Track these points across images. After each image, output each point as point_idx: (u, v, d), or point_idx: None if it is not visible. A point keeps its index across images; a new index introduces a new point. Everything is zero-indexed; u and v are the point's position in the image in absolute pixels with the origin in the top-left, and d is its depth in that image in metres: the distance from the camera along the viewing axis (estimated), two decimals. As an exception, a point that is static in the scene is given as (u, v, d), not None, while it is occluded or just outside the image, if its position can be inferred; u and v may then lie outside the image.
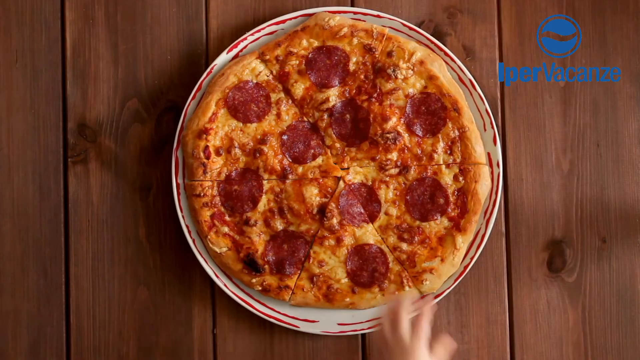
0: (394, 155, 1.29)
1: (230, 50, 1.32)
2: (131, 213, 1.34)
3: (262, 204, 1.30)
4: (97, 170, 1.34)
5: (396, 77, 1.29)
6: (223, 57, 1.32)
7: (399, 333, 1.14)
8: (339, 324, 1.30)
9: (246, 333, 1.33)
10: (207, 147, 1.29)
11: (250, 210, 1.30)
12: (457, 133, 1.29)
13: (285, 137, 1.30)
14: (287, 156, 1.30)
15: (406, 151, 1.29)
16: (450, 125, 1.29)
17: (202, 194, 1.29)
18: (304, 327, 1.30)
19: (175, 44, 1.35)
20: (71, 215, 1.34)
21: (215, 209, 1.29)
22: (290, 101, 1.31)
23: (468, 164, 1.28)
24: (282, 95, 1.31)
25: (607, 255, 1.33)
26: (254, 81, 1.31)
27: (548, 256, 1.33)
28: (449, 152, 1.29)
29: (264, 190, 1.30)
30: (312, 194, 1.30)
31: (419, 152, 1.29)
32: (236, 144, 1.30)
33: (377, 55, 1.30)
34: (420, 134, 1.30)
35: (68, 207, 1.34)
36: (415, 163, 1.29)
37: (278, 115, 1.31)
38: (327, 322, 1.30)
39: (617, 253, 1.33)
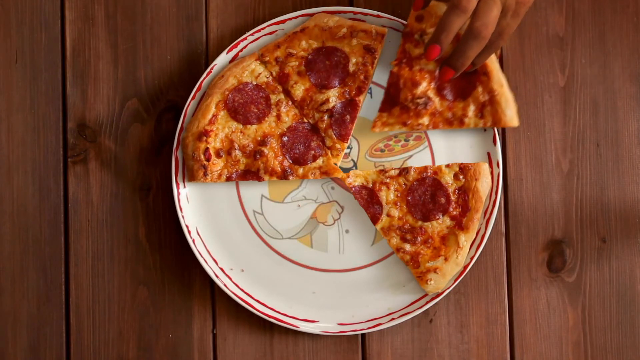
0: (425, 120, 1.28)
1: (230, 50, 1.32)
2: (131, 213, 1.34)
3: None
4: (97, 170, 1.34)
5: (424, 42, 1.28)
6: (223, 57, 1.32)
7: None
8: (339, 324, 1.31)
9: (246, 333, 1.33)
10: (207, 149, 1.29)
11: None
12: (487, 97, 1.27)
13: (285, 139, 1.31)
14: (287, 157, 1.30)
15: (437, 115, 1.28)
16: (480, 89, 1.27)
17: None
18: (304, 327, 1.30)
19: (175, 44, 1.35)
20: (71, 215, 1.34)
21: None
22: (290, 102, 1.31)
23: (499, 127, 1.26)
24: (282, 96, 1.31)
25: (607, 255, 1.33)
26: (254, 83, 1.31)
27: (548, 256, 1.33)
28: (479, 115, 1.28)
29: (265, 192, 1.31)
30: (312, 195, 1.30)
31: (450, 116, 1.28)
32: (236, 146, 1.30)
33: (376, 56, 1.30)
34: (450, 98, 1.28)
35: (68, 207, 1.34)
36: (446, 127, 1.28)
37: (278, 116, 1.31)
38: (327, 322, 1.31)
39: (617, 253, 1.33)
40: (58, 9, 1.36)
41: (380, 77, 1.32)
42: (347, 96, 1.30)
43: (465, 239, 1.28)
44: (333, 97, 1.30)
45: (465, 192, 1.29)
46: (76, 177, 1.34)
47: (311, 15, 1.32)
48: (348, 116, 1.30)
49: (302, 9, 1.34)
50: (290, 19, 1.32)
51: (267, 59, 1.31)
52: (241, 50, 1.32)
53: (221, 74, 1.31)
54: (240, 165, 1.30)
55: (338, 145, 1.31)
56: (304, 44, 1.31)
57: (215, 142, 1.30)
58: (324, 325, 1.31)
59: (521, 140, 1.34)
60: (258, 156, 1.30)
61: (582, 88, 1.35)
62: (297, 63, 1.31)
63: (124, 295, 1.33)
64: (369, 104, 1.32)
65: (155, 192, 1.34)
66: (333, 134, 1.30)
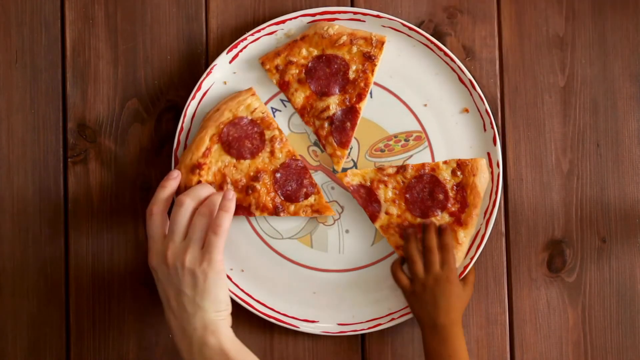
0: None
1: (230, 50, 1.32)
2: (131, 213, 1.34)
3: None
4: (97, 170, 1.34)
5: None
6: (223, 57, 1.32)
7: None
8: (339, 324, 1.31)
9: (246, 333, 1.32)
10: (199, 182, 1.28)
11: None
12: None
13: (278, 175, 1.30)
14: (279, 194, 1.30)
15: None
16: None
17: None
18: (304, 327, 1.30)
19: (175, 44, 1.35)
20: (71, 215, 1.34)
21: None
22: (284, 139, 1.30)
23: None
24: (276, 132, 1.30)
25: (607, 255, 1.33)
26: (249, 117, 1.30)
27: (548, 256, 1.33)
28: None
29: (254, 229, 1.32)
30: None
31: None
32: (229, 180, 1.29)
33: (376, 63, 1.30)
34: None
35: (68, 207, 1.34)
36: None
37: (272, 152, 1.30)
38: (327, 322, 1.31)
39: (617, 253, 1.33)
40: (58, 9, 1.36)
41: (381, 79, 1.32)
42: (348, 103, 1.30)
43: (464, 235, 1.28)
44: (333, 104, 1.30)
45: (463, 188, 1.29)
46: (76, 177, 1.34)
47: (311, 15, 1.32)
48: (348, 123, 1.30)
49: (302, 9, 1.33)
50: (290, 19, 1.32)
51: (268, 67, 1.31)
52: (241, 51, 1.32)
53: (216, 107, 1.31)
54: (232, 200, 1.30)
55: (338, 152, 1.30)
56: (304, 51, 1.31)
57: (207, 176, 1.29)
58: (324, 325, 1.31)
59: (521, 140, 1.34)
60: (250, 191, 1.29)
61: (582, 88, 1.35)
62: (297, 71, 1.30)
63: (124, 295, 1.33)
64: (369, 104, 1.32)
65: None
66: (333, 141, 1.30)
